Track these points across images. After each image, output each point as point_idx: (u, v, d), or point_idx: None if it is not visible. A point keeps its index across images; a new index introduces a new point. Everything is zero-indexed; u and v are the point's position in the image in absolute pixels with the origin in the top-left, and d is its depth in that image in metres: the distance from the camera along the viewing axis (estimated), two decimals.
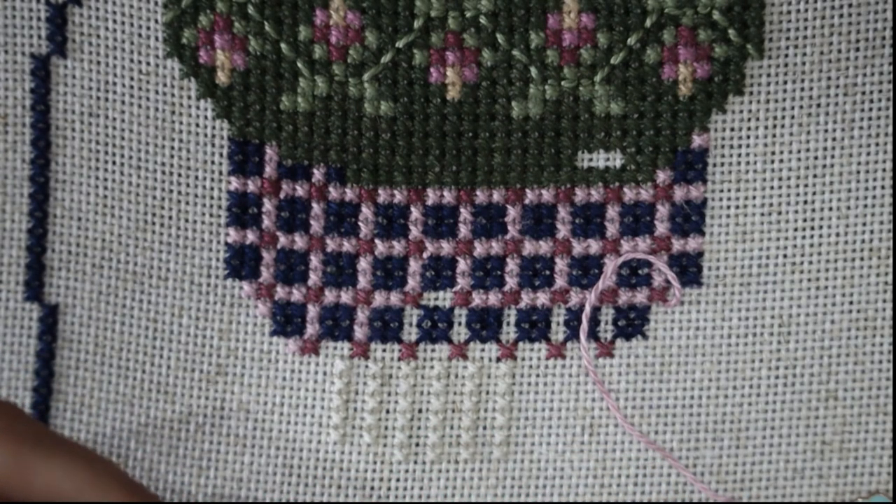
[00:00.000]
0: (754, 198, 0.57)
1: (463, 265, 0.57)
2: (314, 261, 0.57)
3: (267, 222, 0.57)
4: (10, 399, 0.58)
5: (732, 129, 0.56)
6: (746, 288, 0.57)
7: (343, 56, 0.56)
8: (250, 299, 0.58)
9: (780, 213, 0.57)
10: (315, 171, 0.57)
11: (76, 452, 0.48)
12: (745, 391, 0.58)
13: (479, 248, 0.57)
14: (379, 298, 0.58)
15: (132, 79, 0.56)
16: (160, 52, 0.56)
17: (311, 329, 0.58)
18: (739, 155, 0.57)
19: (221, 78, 0.56)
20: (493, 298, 0.58)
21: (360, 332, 0.58)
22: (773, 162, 0.57)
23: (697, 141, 0.56)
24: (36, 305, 0.58)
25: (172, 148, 0.56)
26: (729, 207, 0.57)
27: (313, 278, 0.57)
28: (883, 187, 0.57)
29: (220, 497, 0.58)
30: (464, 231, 0.57)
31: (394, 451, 0.58)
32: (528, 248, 0.57)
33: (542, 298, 0.58)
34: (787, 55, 0.56)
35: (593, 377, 0.57)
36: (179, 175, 0.57)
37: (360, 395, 0.58)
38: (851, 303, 0.58)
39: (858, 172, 0.57)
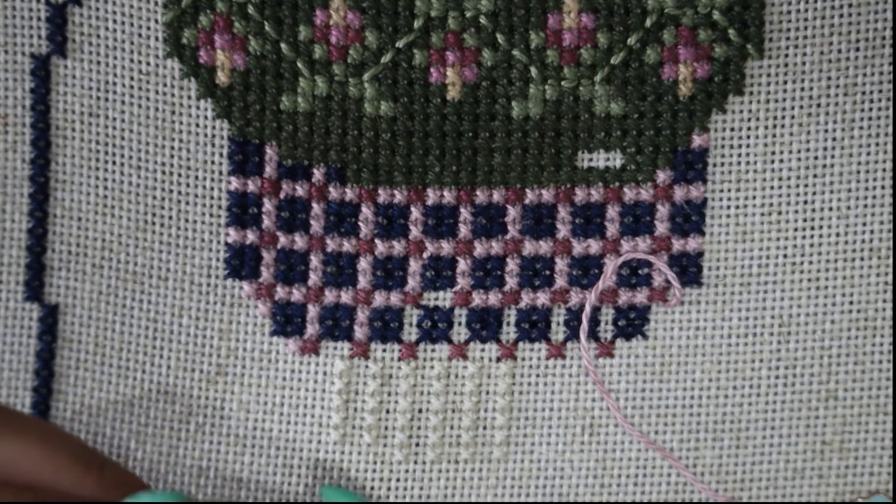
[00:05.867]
0: (754, 198, 0.57)
1: (463, 265, 0.57)
2: (314, 261, 0.57)
3: (267, 222, 0.57)
4: (10, 399, 0.58)
5: (732, 129, 0.56)
6: (746, 288, 0.57)
7: (343, 56, 0.56)
8: (250, 299, 0.58)
9: (780, 213, 0.57)
10: (315, 171, 0.57)
11: (28, 430, 0.49)
12: (745, 391, 0.58)
13: (479, 248, 0.57)
14: (379, 298, 0.58)
15: (132, 79, 0.56)
16: (160, 52, 0.56)
17: (311, 329, 0.58)
18: (739, 155, 0.57)
19: (221, 78, 0.56)
20: (493, 298, 0.58)
21: (360, 332, 0.58)
22: (773, 162, 0.57)
23: (697, 141, 0.56)
24: (36, 305, 0.58)
25: (172, 148, 0.56)
26: (729, 207, 0.57)
27: (313, 278, 0.57)
28: (883, 187, 0.57)
29: (220, 497, 0.58)
30: (464, 231, 0.57)
31: (394, 451, 0.58)
32: (528, 248, 0.57)
33: (542, 298, 0.58)
34: (787, 55, 0.56)
35: (593, 377, 0.57)
36: (179, 175, 0.57)
37: (360, 395, 0.58)
38: (851, 303, 0.58)
39: (858, 172, 0.57)
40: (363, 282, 0.57)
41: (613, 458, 0.59)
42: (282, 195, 0.57)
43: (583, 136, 0.56)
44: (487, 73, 0.56)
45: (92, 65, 0.56)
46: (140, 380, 0.58)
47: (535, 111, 0.56)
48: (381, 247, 0.57)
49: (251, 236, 0.57)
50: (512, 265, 0.57)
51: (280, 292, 0.57)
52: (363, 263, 0.57)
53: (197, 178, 0.57)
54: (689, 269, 0.57)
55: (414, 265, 0.57)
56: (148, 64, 0.56)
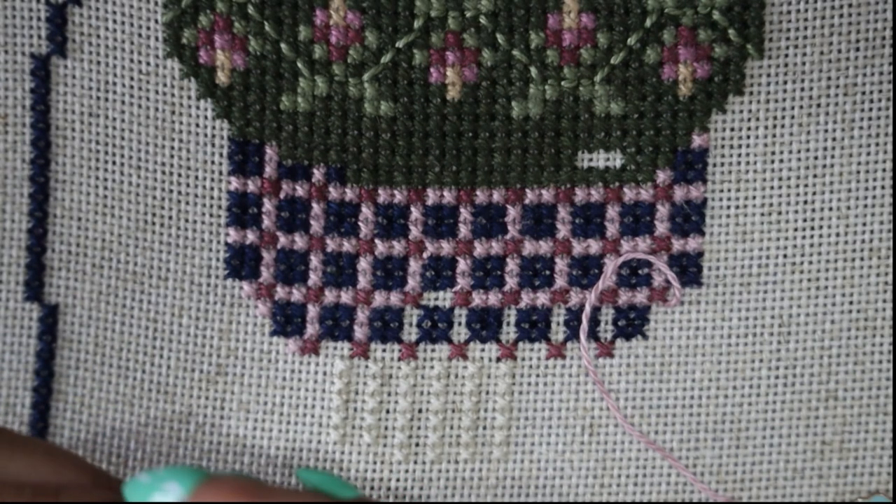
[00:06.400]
0: (754, 198, 0.57)
1: (463, 265, 0.57)
2: (314, 261, 0.57)
3: (267, 222, 0.57)
4: (10, 399, 0.58)
5: (732, 129, 0.56)
6: (746, 288, 0.57)
7: (343, 56, 0.56)
8: (250, 299, 0.58)
9: (780, 213, 0.57)
10: (315, 171, 0.57)
11: (35, 449, 0.49)
12: (745, 391, 0.58)
13: (479, 248, 0.57)
14: (379, 298, 0.58)
15: (132, 79, 0.56)
16: (160, 52, 0.56)
17: (311, 329, 0.58)
18: (739, 155, 0.57)
19: (221, 78, 0.56)
20: (493, 298, 0.58)
21: (360, 332, 0.58)
22: (773, 162, 0.57)
23: (697, 141, 0.56)
24: (36, 305, 0.58)
25: (172, 148, 0.56)
26: (729, 207, 0.57)
27: (313, 278, 0.57)
28: (883, 187, 0.57)
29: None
30: (464, 231, 0.57)
31: (394, 451, 0.58)
32: (528, 248, 0.57)
33: (542, 298, 0.58)
34: (787, 55, 0.56)
35: (593, 377, 0.57)
36: (179, 175, 0.57)
37: (360, 395, 0.58)
38: (851, 303, 0.58)
39: (858, 172, 0.57)
40: (363, 282, 0.57)
41: (613, 458, 0.59)
42: (282, 195, 0.57)
43: (583, 136, 0.56)
44: (487, 73, 0.56)
45: (92, 65, 0.56)
46: (140, 380, 0.58)
47: (535, 111, 0.56)
48: (381, 247, 0.57)
49: (251, 236, 0.57)
50: (512, 265, 0.57)
51: (280, 292, 0.57)
52: (363, 263, 0.57)
53: (197, 178, 0.57)
54: (689, 269, 0.57)
55: (414, 265, 0.57)
56: (148, 64, 0.56)
